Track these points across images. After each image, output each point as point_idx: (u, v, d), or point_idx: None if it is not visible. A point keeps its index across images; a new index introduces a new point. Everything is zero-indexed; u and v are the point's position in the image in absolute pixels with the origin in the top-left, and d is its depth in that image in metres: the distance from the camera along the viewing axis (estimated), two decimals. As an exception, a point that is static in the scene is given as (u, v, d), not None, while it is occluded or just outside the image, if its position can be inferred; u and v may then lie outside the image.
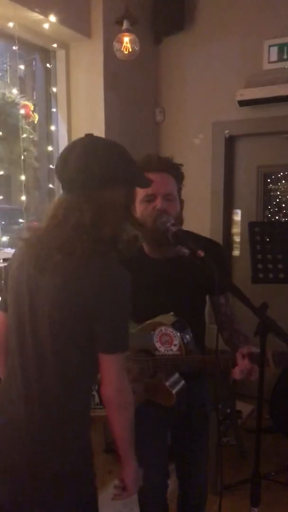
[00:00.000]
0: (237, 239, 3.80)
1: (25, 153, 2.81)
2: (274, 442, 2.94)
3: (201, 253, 1.44)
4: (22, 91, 3.02)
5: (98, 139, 1.34)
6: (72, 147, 1.30)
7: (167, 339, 1.58)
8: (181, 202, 1.70)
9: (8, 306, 1.38)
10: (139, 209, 1.63)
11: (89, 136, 1.33)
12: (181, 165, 1.70)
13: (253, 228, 2.63)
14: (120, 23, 2.87)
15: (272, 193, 3.67)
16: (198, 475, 1.87)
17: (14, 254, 1.42)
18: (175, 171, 1.67)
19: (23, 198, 2.90)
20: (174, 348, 1.57)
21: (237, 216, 3.78)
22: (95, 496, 1.36)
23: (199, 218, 3.38)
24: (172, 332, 1.57)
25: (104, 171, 1.26)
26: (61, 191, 1.37)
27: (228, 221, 3.77)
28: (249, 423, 3.26)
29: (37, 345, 1.27)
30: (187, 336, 1.60)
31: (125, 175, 1.31)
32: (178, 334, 1.57)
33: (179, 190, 1.69)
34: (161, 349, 1.59)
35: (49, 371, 1.26)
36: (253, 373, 1.47)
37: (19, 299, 1.32)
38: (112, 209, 1.28)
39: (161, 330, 1.58)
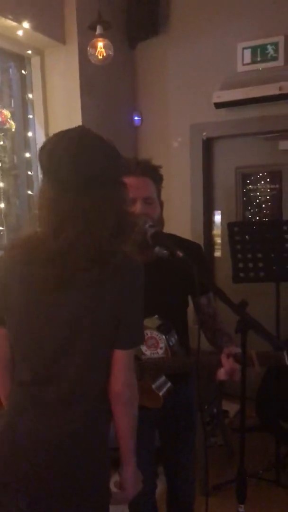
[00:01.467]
0: (218, 240, 3.82)
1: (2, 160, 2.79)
2: (261, 441, 2.96)
3: (179, 254, 1.45)
4: (-1, 99, 3.00)
5: (98, 135, 1.20)
6: (78, 141, 1.14)
7: (153, 343, 1.58)
8: (161, 203, 1.71)
9: (14, 326, 1.25)
10: None
11: (88, 130, 1.19)
12: (160, 166, 1.71)
13: (232, 228, 2.65)
14: (93, 28, 2.88)
15: (251, 194, 3.70)
16: (186, 474, 1.87)
17: (13, 270, 1.22)
18: (153, 174, 1.68)
19: (2, 205, 2.88)
20: (160, 351, 1.58)
21: (218, 217, 3.81)
22: (108, 505, 1.32)
23: (179, 220, 3.39)
24: (157, 335, 1.58)
25: (117, 169, 1.21)
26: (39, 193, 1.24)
27: (208, 223, 3.79)
28: (236, 422, 3.26)
29: (68, 356, 1.20)
30: (172, 339, 1.61)
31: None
32: (164, 337, 1.57)
33: (159, 192, 1.70)
34: (147, 352, 1.59)
35: (81, 384, 1.21)
36: (236, 373, 1.48)
37: (33, 319, 1.21)
38: (126, 208, 1.26)
39: (147, 334, 1.58)
